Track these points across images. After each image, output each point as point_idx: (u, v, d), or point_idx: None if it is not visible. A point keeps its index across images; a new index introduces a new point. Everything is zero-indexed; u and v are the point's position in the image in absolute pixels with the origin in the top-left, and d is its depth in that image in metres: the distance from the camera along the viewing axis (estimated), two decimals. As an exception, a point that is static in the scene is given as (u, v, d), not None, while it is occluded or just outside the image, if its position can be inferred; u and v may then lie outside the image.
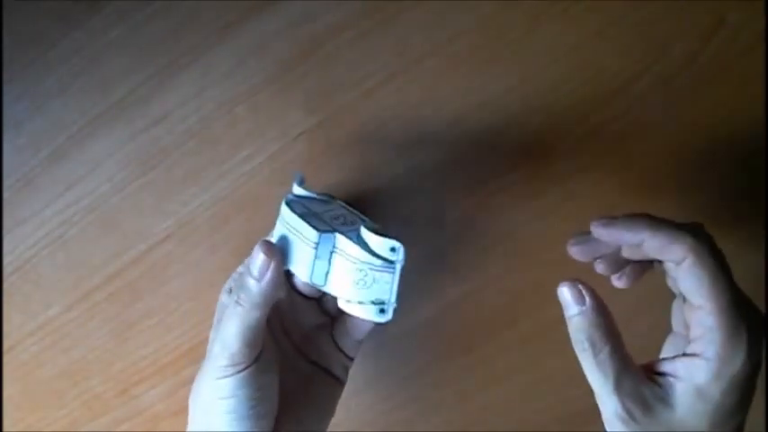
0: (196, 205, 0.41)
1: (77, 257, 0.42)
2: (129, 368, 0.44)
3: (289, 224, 0.32)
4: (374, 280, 0.30)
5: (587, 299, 0.30)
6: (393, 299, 0.30)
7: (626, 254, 0.33)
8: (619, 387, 0.30)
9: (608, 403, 0.30)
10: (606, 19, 0.38)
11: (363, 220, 0.33)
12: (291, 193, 0.35)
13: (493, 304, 0.41)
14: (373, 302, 0.30)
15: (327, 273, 0.30)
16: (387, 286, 0.30)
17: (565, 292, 0.31)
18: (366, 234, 0.30)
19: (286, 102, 0.40)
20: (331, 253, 0.30)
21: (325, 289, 0.31)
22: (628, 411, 0.30)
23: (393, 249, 0.30)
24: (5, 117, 0.40)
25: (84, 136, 0.40)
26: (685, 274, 0.29)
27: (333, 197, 0.37)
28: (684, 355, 0.30)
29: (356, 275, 0.30)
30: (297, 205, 0.33)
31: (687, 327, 0.31)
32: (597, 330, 0.30)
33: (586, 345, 0.30)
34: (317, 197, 0.35)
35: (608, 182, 0.40)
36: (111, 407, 0.44)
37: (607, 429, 0.31)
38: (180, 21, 0.39)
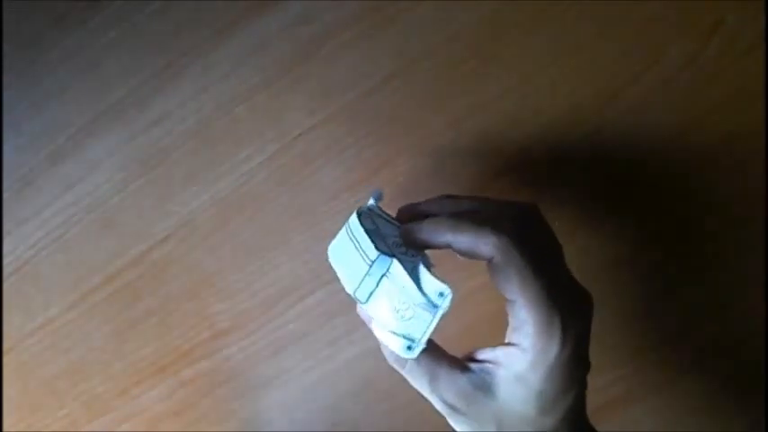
0: (196, 205, 0.41)
1: (77, 257, 0.42)
2: (129, 368, 0.44)
3: (353, 234, 0.32)
4: (413, 316, 0.30)
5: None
6: (424, 339, 0.30)
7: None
8: (433, 386, 0.30)
9: (431, 399, 0.31)
10: (606, 19, 0.38)
11: (424, 256, 0.33)
12: (366, 206, 0.34)
13: (493, 304, 0.41)
14: (404, 336, 0.30)
15: (372, 292, 0.30)
16: (423, 325, 0.30)
17: (362, 313, 0.32)
18: (422, 270, 0.30)
19: (286, 102, 0.40)
20: (382, 275, 0.30)
21: (364, 307, 0.31)
22: (450, 406, 0.30)
23: (441, 294, 0.30)
24: (5, 118, 0.40)
25: (84, 136, 0.40)
26: (494, 271, 0.29)
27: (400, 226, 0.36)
28: (504, 344, 0.30)
29: (398, 305, 0.30)
30: (367, 219, 0.33)
31: None
32: None
33: (392, 359, 0.31)
34: (389, 219, 0.34)
35: (608, 182, 0.40)
36: (111, 407, 0.44)
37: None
38: (180, 21, 0.39)
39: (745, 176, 0.39)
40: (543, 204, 0.40)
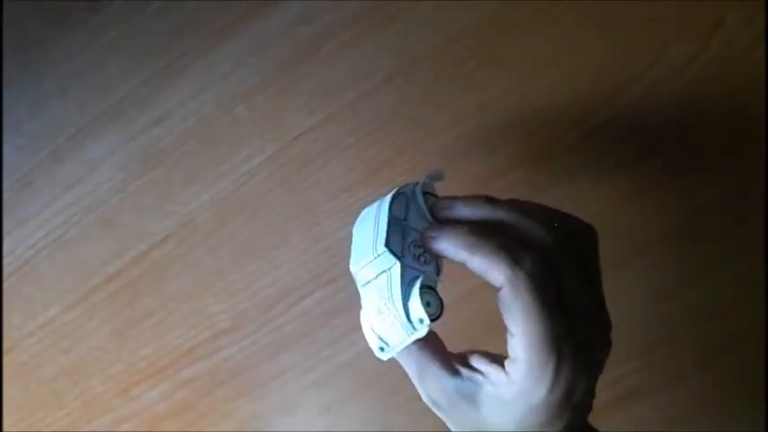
0: (196, 205, 0.41)
1: (77, 257, 0.42)
2: (129, 368, 0.44)
3: (378, 215, 0.31)
4: (392, 325, 0.29)
5: None
6: (396, 350, 0.30)
7: None
8: (422, 380, 0.30)
9: (419, 390, 0.31)
10: (606, 19, 0.38)
11: (438, 267, 0.32)
12: (413, 186, 0.32)
13: (493, 304, 0.41)
14: (380, 338, 0.30)
15: (369, 282, 0.30)
16: (397, 338, 0.30)
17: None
18: (415, 290, 0.29)
19: (285, 102, 0.40)
20: (383, 271, 0.30)
21: (360, 291, 0.31)
22: (433, 401, 0.30)
23: (420, 321, 0.29)
24: (5, 118, 0.40)
25: (84, 136, 0.40)
26: (501, 301, 0.28)
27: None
28: (501, 364, 0.29)
29: (383, 307, 0.30)
30: (401, 205, 0.31)
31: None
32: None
33: (383, 345, 0.30)
34: (426, 210, 0.32)
35: (608, 182, 0.40)
36: (111, 407, 0.44)
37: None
38: (180, 21, 0.39)
39: (745, 176, 0.39)
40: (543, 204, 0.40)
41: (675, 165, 0.39)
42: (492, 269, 0.27)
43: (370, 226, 0.31)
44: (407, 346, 0.30)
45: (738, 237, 0.39)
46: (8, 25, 0.39)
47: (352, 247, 0.31)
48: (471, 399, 0.29)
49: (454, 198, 0.31)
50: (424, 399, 0.31)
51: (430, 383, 0.30)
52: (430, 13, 0.38)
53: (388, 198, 0.31)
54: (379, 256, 0.30)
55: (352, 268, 0.31)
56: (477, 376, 0.29)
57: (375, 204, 0.32)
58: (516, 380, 0.28)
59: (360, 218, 0.32)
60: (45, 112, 0.40)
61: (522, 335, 0.27)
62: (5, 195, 0.41)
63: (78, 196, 0.41)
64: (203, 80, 0.39)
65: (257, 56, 0.39)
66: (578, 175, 0.40)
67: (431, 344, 0.31)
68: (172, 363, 0.43)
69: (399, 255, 0.29)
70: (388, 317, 0.29)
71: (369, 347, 0.42)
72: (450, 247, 0.29)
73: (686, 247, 0.40)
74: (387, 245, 0.29)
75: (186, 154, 0.40)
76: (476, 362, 0.30)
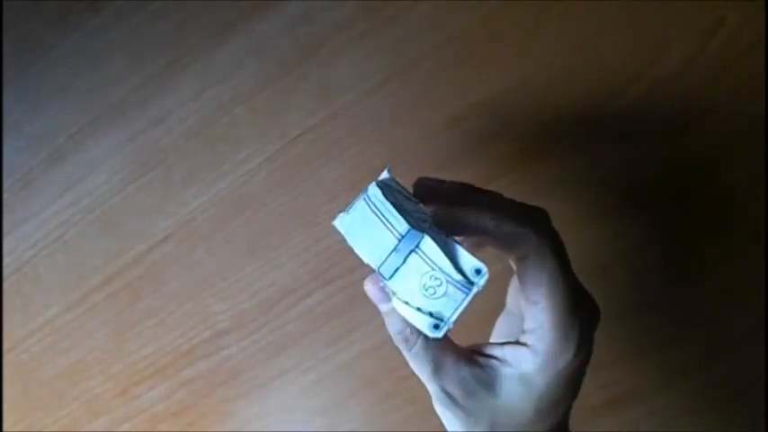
0: (196, 205, 0.41)
1: (77, 258, 0.42)
2: (129, 368, 0.44)
3: (376, 207, 0.30)
4: (445, 293, 0.29)
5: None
6: (453, 319, 0.29)
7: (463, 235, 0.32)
8: (437, 372, 0.30)
9: (430, 387, 0.30)
10: (606, 19, 0.38)
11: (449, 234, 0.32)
12: (382, 178, 0.33)
13: (492, 304, 0.41)
14: (432, 314, 0.29)
15: (398, 269, 0.29)
16: (454, 304, 0.29)
17: (372, 289, 0.31)
18: (457, 247, 0.29)
19: (285, 102, 0.40)
20: (411, 251, 0.29)
21: (389, 283, 0.30)
22: (448, 395, 0.30)
23: (478, 272, 0.29)
24: (5, 118, 0.40)
25: (84, 137, 0.40)
26: (526, 270, 0.29)
27: (418, 202, 0.34)
28: (515, 342, 0.30)
29: (429, 281, 0.29)
30: (388, 193, 0.31)
31: (521, 312, 0.30)
32: (408, 326, 0.30)
33: (400, 339, 0.30)
34: (406, 194, 0.33)
35: (608, 182, 0.40)
36: (111, 407, 0.44)
37: (436, 410, 0.31)
38: (180, 21, 0.39)
39: (745, 176, 0.39)
40: (543, 204, 0.40)
41: (675, 164, 0.39)
42: (516, 240, 0.28)
43: (373, 221, 0.30)
44: (422, 343, 0.30)
45: (738, 237, 0.39)
46: (8, 25, 0.39)
47: (360, 249, 0.30)
48: (490, 385, 0.30)
49: (440, 181, 0.31)
50: (438, 396, 0.30)
51: (447, 375, 0.30)
52: (430, 13, 0.38)
53: (376, 190, 0.31)
54: (402, 238, 0.29)
55: (374, 264, 0.30)
56: (495, 362, 0.30)
57: (359, 204, 0.31)
58: (541, 349, 0.28)
59: (349, 222, 0.31)
60: (45, 113, 0.40)
61: (549, 300, 0.28)
62: (5, 195, 0.41)
63: (78, 196, 0.41)
64: (203, 80, 0.39)
65: (257, 56, 0.39)
66: (578, 175, 0.40)
67: (445, 339, 0.31)
68: (172, 363, 0.43)
69: (420, 230, 0.29)
70: (439, 287, 0.29)
71: (368, 348, 0.42)
72: (474, 217, 0.29)
73: (686, 247, 0.40)
74: (408, 223, 0.29)
75: (186, 154, 0.40)
76: (489, 350, 0.31)
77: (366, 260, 0.30)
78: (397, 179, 0.32)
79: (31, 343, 0.43)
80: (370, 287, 0.31)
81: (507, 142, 0.39)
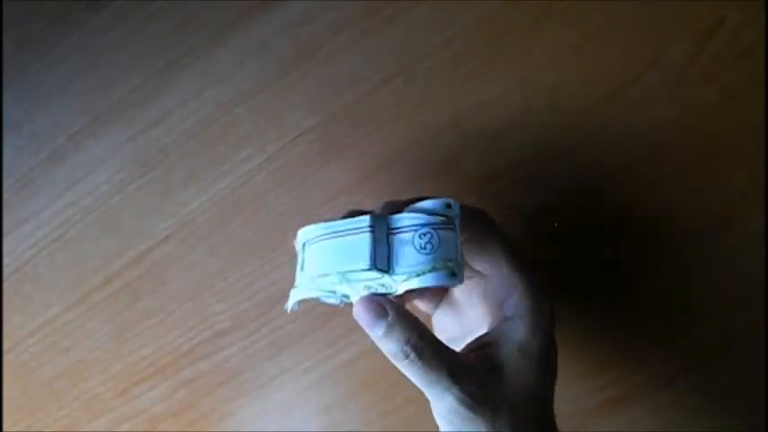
0: (196, 205, 0.41)
1: (77, 258, 0.42)
2: (129, 368, 0.44)
3: (325, 234, 0.30)
4: (440, 240, 0.29)
5: (389, 309, 0.30)
6: (459, 257, 0.29)
7: None
8: (454, 376, 0.29)
9: (446, 394, 0.29)
10: (606, 19, 0.38)
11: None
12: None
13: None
14: (444, 264, 0.29)
15: (389, 255, 0.29)
16: (452, 243, 0.29)
17: (362, 313, 0.30)
18: (416, 204, 0.30)
19: (285, 102, 0.40)
20: (388, 235, 0.29)
21: (390, 274, 0.29)
22: (470, 394, 0.29)
23: (449, 206, 0.29)
24: (5, 118, 0.40)
25: (84, 136, 0.40)
26: (475, 244, 0.32)
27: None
28: (494, 326, 0.32)
29: (421, 241, 0.29)
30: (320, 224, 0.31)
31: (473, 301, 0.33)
32: (413, 333, 0.30)
33: (409, 350, 0.29)
34: (326, 224, 0.32)
35: (608, 182, 0.40)
36: (111, 407, 0.44)
37: (442, 429, 0.31)
38: (180, 21, 0.39)
39: (744, 176, 0.39)
40: (543, 204, 0.40)
41: (675, 165, 0.39)
42: (474, 217, 0.32)
43: (332, 245, 0.30)
44: (432, 349, 0.30)
45: (738, 237, 0.39)
46: (8, 25, 0.39)
47: (347, 268, 0.30)
48: (496, 369, 0.30)
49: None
50: (459, 400, 0.29)
51: (463, 374, 0.30)
52: (430, 13, 0.38)
53: (311, 227, 0.30)
54: (373, 227, 0.29)
55: (366, 266, 0.29)
56: (488, 348, 0.31)
57: (304, 253, 0.31)
58: (525, 311, 0.31)
59: (306, 284, 0.31)
60: (45, 112, 0.40)
61: (509, 261, 0.32)
62: (5, 195, 0.41)
63: (78, 196, 0.41)
64: (203, 80, 0.39)
65: (257, 56, 0.39)
66: (578, 175, 0.40)
67: (442, 345, 0.31)
68: (172, 363, 0.43)
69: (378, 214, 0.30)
70: (432, 238, 0.29)
71: (368, 348, 0.42)
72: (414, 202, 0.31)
73: (686, 246, 0.40)
74: (367, 214, 0.30)
75: (186, 154, 0.40)
76: (478, 340, 0.32)
77: (357, 269, 0.29)
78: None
79: (31, 343, 0.43)
80: (360, 313, 0.30)
81: (507, 142, 0.39)
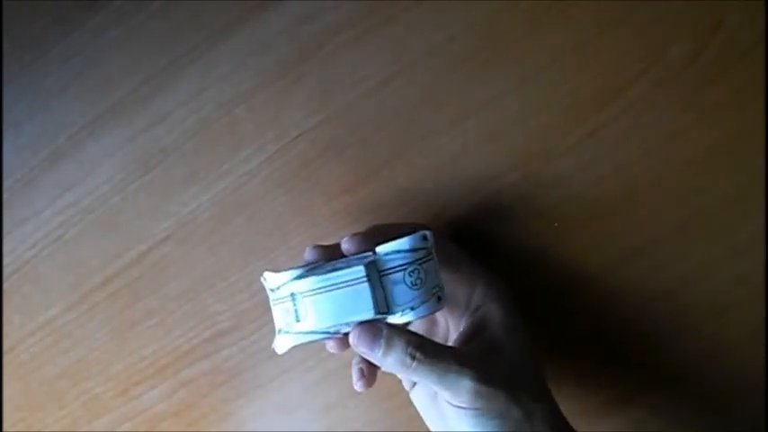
0: (196, 206, 0.41)
1: (77, 258, 0.42)
2: (129, 368, 0.44)
3: (322, 287, 0.30)
4: (426, 273, 0.31)
5: (381, 327, 0.31)
6: (441, 281, 0.32)
7: None
8: (462, 361, 0.31)
9: (461, 379, 0.30)
10: (606, 19, 0.38)
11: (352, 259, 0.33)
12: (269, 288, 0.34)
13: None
14: (432, 293, 0.31)
15: (386, 297, 0.30)
16: (435, 272, 0.31)
17: (359, 341, 0.31)
18: (392, 244, 0.31)
19: (285, 102, 0.40)
20: (380, 278, 0.30)
21: (390, 316, 0.31)
22: (483, 370, 0.31)
23: (425, 237, 0.31)
24: (5, 118, 0.40)
25: (84, 136, 0.40)
26: (444, 249, 0.35)
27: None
28: (475, 310, 0.34)
29: (411, 279, 0.30)
30: (299, 271, 0.32)
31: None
32: (411, 337, 0.31)
33: (413, 352, 0.30)
34: (307, 268, 0.33)
35: (608, 182, 0.39)
36: (111, 407, 0.44)
37: (457, 421, 0.32)
38: (180, 21, 0.39)
39: (744, 176, 0.39)
40: (543, 204, 0.40)
41: (675, 165, 0.39)
42: (424, 234, 0.33)
43: (327, 297, 0.30)
44: (431, 355, 0.31)
45: (738, 237, 0.39)
46: (8, 25, 0.39)
47: (349, 320, 0.31)
48: (498, 350, 0.33)
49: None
50: (472, 378, 0.30)
51: (472, 360, 0.32)
52: (430, 13, 0.38)
53: (301, 281, 0.31)
54: (368, 276, 0.30)
55: (371, 316, 0.30)
56: (482, 335, 0.33)
57: (285, 306, 0.32)
58: (495, 296, 0.34)
59: (317, 322, 0.31)
60: (45, 112, 0.40)
61: (465, 262, 0.36)
62: (5, 195, 0.41)
63: (78, 196, 0.41)
64: (203, 80, 0.39)
65: (257, 56, 0.39)
66: (578, 175, 0.40)
67: (444, 345, 0.33)
68: (172, 363, 0.43)
69: (364, 259, 0.31)
70: (419, 274, 0.31)
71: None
72: (378, 231, 0.34)
73: (686, 247, 0.40)
74: (359, 263, 0.30)
75: (186, 154, 0.40)
76: (465, 332, 0.34)
77: (364, 318, 0.30)
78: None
79: (31, 343, 0.43)
80: (357, 341, 0.31)
81: (507, 142, 0.39)
